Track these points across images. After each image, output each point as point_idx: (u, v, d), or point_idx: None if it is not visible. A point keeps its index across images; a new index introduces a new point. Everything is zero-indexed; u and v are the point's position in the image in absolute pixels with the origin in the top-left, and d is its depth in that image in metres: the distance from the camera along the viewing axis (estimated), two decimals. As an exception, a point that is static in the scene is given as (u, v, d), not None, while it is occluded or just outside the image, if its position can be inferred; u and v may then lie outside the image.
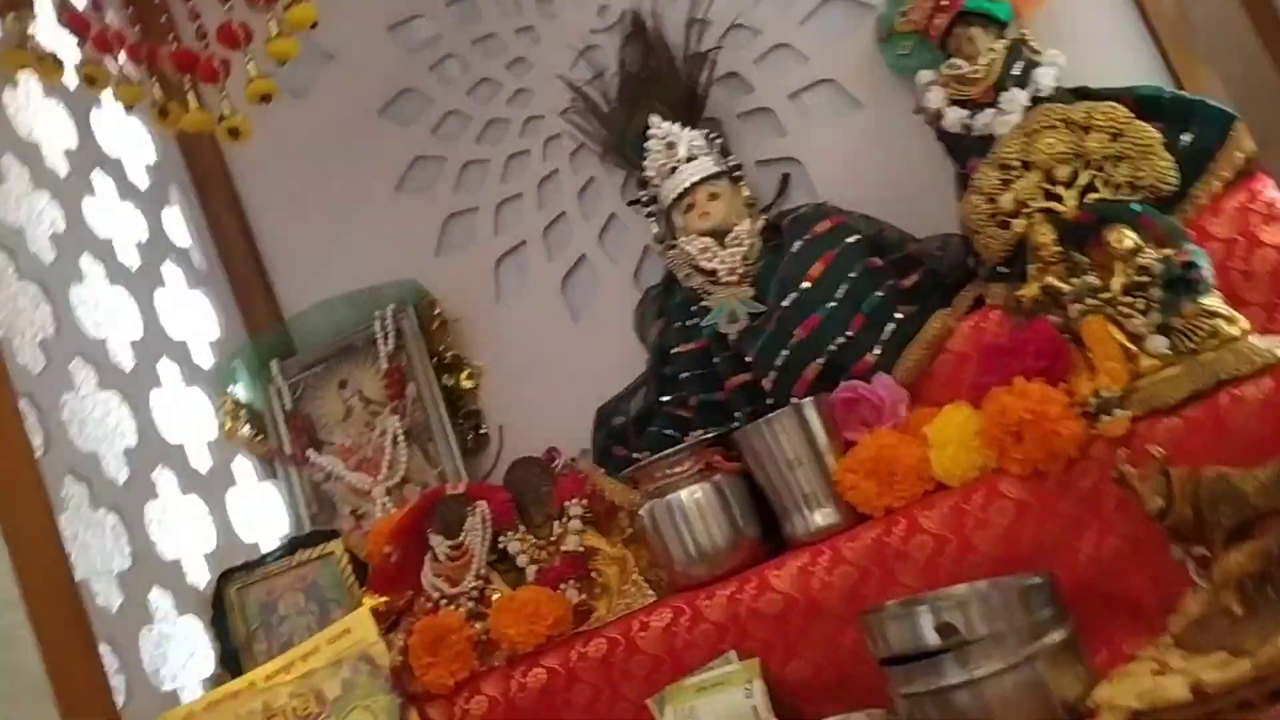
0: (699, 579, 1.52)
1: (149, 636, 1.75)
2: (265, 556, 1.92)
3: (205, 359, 2.15)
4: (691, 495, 1.53)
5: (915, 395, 1.59)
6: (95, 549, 1.72)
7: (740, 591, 1.46)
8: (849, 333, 1.60)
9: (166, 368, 2.04)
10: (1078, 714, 1.09)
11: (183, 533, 1.91)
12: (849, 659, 1.39)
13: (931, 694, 1.11)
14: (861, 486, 1.43)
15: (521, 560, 1.71)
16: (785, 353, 1.62)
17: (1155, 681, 1.05)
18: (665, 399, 1.78)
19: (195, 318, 2.17)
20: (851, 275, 1.63)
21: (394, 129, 2.20)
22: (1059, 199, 1.48)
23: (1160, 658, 1.13)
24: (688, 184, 1.79)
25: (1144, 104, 1.53)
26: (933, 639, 1.11)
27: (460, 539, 1.76)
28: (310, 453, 2.10)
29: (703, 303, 1.74)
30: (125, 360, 1.95)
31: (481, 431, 2.10)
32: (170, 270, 2.16)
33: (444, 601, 1.71)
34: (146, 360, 1.99)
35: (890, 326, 1.60)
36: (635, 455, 1.76)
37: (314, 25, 1.72)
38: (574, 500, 1.73)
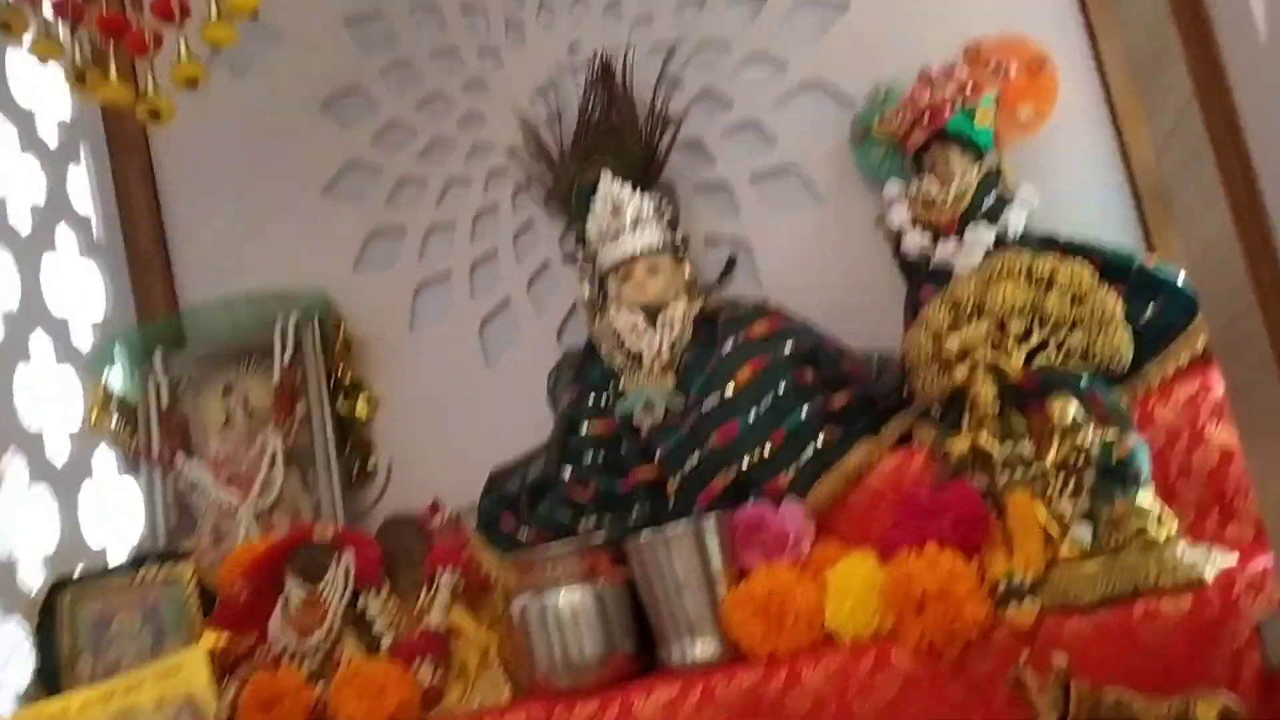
0: (561, 689, 1.41)
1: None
2: (107, 569, 1.77)
3: (84, 339, 1.98)
4: (569, 599, 1.42)
5: (824, 525, 1.50)
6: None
7: (600, 713, 1.34)
8: (766, 448, 1.51)
9: (39, 341, 1.88)
10: None
11: (23, 528, 1.75)
12: (702, 807, 1.29)
13: None
14: (748, 625, 1.33)
15: (379, 626, 1.59)
16: (696, 458, 1.52)
17: None
18: (565, 477, 1.66)
19: (82, 292, 2.00)
20: (779, 388, 1.54)
21: (332, 128, 2.06)
22: (1006, 353, 1.40)
23: None
24: (628, 254, 1.69)
25: (1112, 267, 1.45)
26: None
27: (319, 588, 1.63)
28: (180, 457, 1.94)
29: (621, 384, 1.64)
30: (-10, 328, 1.79)
31: (369, 465, 1.97)
32: (64, 235, 2.00)
33: (288, 655, 1.58)
34: (18, 331, 1.83)
35: (810, 450, 1.51)
36: (522, 531, 1.65)
37: (255, 15, 1.59)
38: (447, 569, 1.61)
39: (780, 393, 1.54)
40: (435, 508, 1.78)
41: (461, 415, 1.94)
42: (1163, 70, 0.74)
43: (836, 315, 1.70)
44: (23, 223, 1.89)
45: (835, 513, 1.51)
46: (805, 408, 1.54)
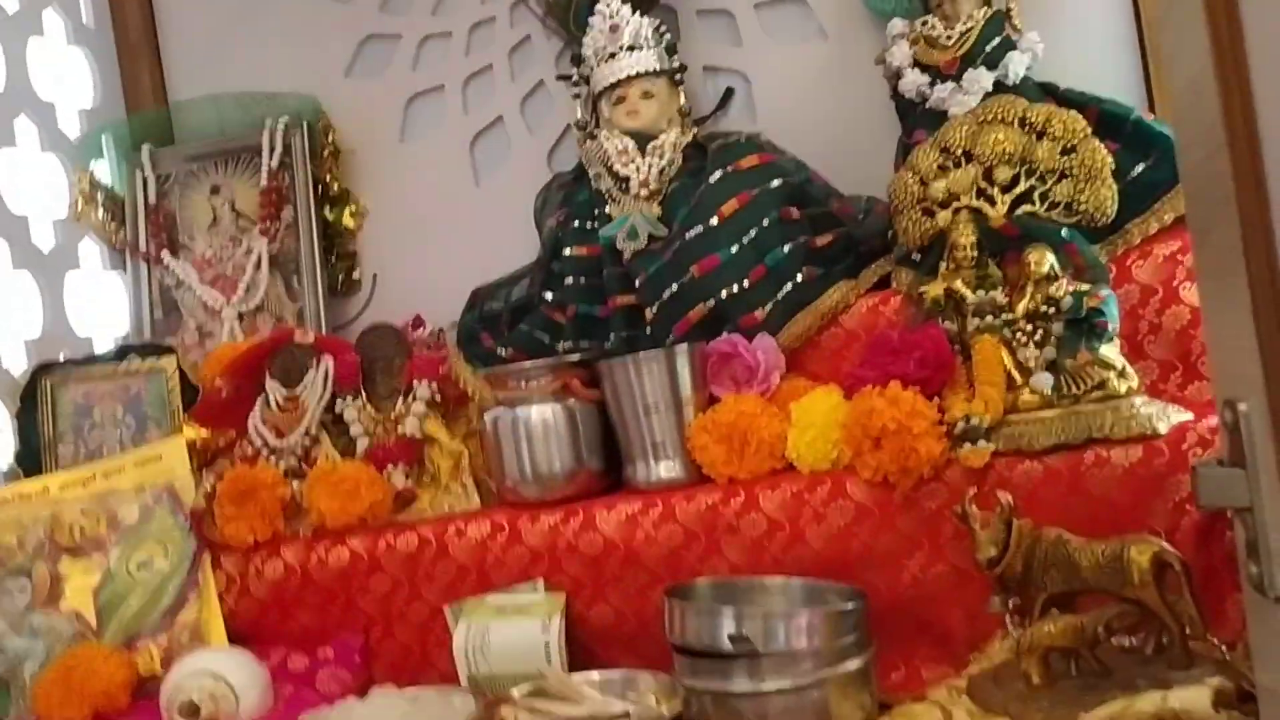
0: (527, 499, 1.46)
1: (-55, 414, 1.63)
2: (92, 357, 1.79)
3: (71, 127, 1.96)
4: (541, 413, 1.45)
5: (796, 363, 1.52)
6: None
7: (564, 524, 1.39)
8: (745, 282, 1.51)
9: (24, 126, 1.86)
10: (849, 741, 1.07)
11: (6, 313, 1.77)
12: (653, 617, 1.33)
13: (714, 694, 1.07)
14: (710, 449, 1.37)
15: (355, 430, 1.62)
16: (675, 287, 1.52)
17: (933, 734, 1.03)
18: (547, 297, 1.68)
19: (69, 78, 1.97)
20: (764, 222, 1.53)
21: (331, -74, 1.99)
22: (991, 200, 1.39)
23: (947, 705, 1.11)
24: (623, 75, 1.65)
25: (1107, 121, 1.44)
26: (726, 645, 1.06)
27: (297, 390, 1.65)
28: (165, 254, 1.94)
29: (606, 209, 1.63)
30: (-24, 108, 1.76)
31: (354, 276, 1.98)
32: (51, 19, 1.95)
33: (266, 452, 1.62)
34: (2, 114, 1.81)
35: (788, 287, 1.51)
36: (501, 349, 1.67)
37: None
38: (424, 381, 1.63)
39: (764, 227, 1.53)
40: (417, 322, 1.80)
41: (448, 232, 1.93)
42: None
43: (830, 155, 1.68)
44: (9, 1, 1.84)
45: (808, 350, 1.53)
46: (788, 245, 1.53)
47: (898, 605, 1.26)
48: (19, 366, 1.76)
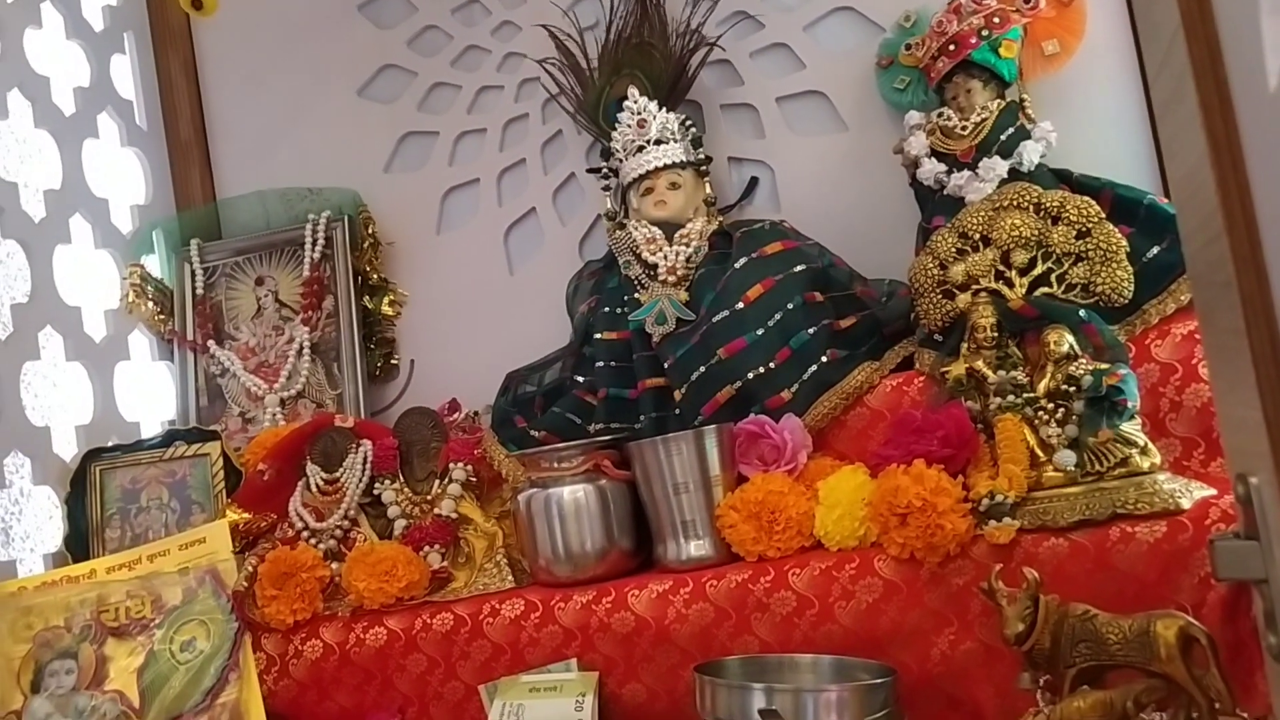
0: (560, 579, 1.49)
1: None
2: (139, 442, 1.85)
3: (124, 222, 2.05)
4: (573, 494, 1.49)
5: (822, 442, 1.55)
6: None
7: (596, 603, 1.42)
8: (771, 364, 1.54)
9: (79, 225, 1.95)
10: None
11: (59, 400, 1.83)
12: (685, 695, 1.36)
13: (745, 770, 1.09)
14: (740, 527, 1.39)
15: (393, 511, 1.66)
16: (703, 369, 1.56)
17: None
18: (579, 380, 1.73)
19: (122, 178, 2.07)
20: (789, 306, 1.57)
21: (369, 29, 2.10)
22: (1009, 283, 1.43)
23: (979, 783, 1.11)
24: (651, 167, 1.72)
25: (1121, 205, 1.48)
26: (757, 720, 1.08)
27: (337, 474, 1.70)
28: (211, 344, 2.02)
29: (635, 295, 1.68)
30: (36, 209, 1.85)
31: (392, 361, 2.04)
32: (106, 123, 2.05)
33: (306, 534, 1.66)
34: (59, 213, 1.89)
35: (814, 368, 1.55)
36: (534, 431, 1.71)
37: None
38: (460, 464, 1.68)
39: (789, 310, 1.57)
40: (453, 406, 1.85)
41: (483, 319, 2.00)
42: (1156, 2, 0.77)
43: (851, 241, 1.73)
44: (66, 104, 1.94)
45: (834, 430, 1.56)
46: (812, 328, 1.57)
47: (927, 682, 1.27)
48: (69, 452, 1.81)
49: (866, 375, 1.55)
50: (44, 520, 1.77)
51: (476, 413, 1.85)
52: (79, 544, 1.75)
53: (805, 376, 1.54)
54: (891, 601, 1.30)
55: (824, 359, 1.56)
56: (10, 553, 1.70)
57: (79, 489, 1.78)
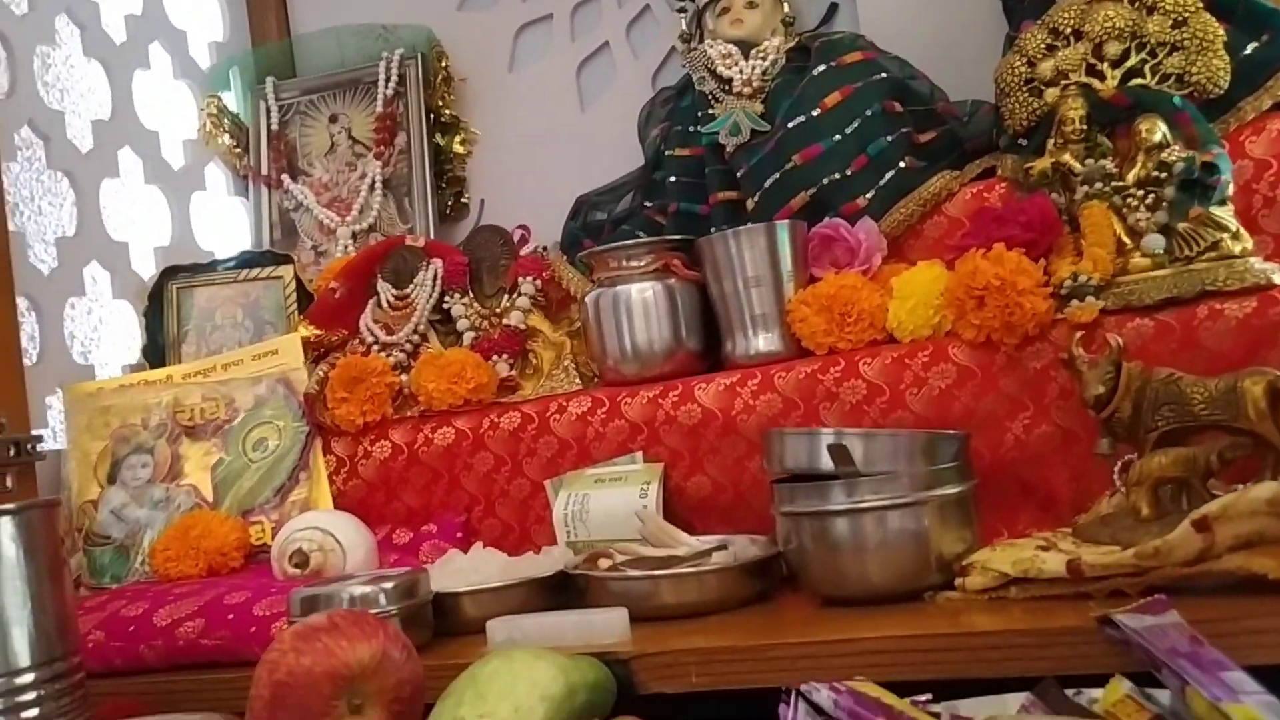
0: (627, 377, 1.48)
1: (78, 307, 1.72)
2: (215, 263, 1.88)
3: (202, 56, 2.07)
4: (641, 292, 1.47)
5: (897, 251, 1.51)
6: (38, 207, 1.67)
7: (663, 396, 1.41)
8: (848, 170, 1.50)
9: (158, 53, 1.97)
10: (950, 569, 1.05)
11: (137, 218, 1.86)
12: (750, 486, 1.35)
13: (810, 515, 1.07)
14: (811, 320, 1.37)
15: (462, 324, 1.67)
16: (777, 175, 1.53)
17: (1035, 554, 1.00)
18: (648, 205, 1.71)
19: (200, 12, 2.08)
20: (867, 113, 1.53)
21: None
22: (1100, 76, 1.38)
23: (1051, 539, 1.09)
24: (728, -17, 1.69)
25: (1218, 1, 1.41)
26: (827, 464, 1.06)
27: (407, 290, 1.71)
28: (285, 178, 2.03)
29: (710, 110, 1.65)
30: (117, 32, 1.87)
31: (462, 200, 2.04)
32: (186, -42, 2.07)
33: (376, 347, 1.68)
34: (139, 38, 1.92)
35: (890, 175, 1.51)
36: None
37: None
38: (530, 279, 1.67)
39: (867, 118, 1.52)
40: (523, 234, 1.84)
41: (554, 157, 1.98)
42: None
43: (935, 62, 1.67)
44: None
45: (910, 239, 1.51)
46: (890, 136, 1.52)
47: (1000, 468, 1.24)
48: (148, 271, 1.85)
49: (945, 182, 1.50)
50: (122, 332, 1.80)
51: (545, 248, 1.83)
52: (156, 356, 1.79)
53: (882, 183, 1.50)
54: (965, 387, 1.27)
55: (902, 165, 1.51)
56: (90, 359, 1.73)
57: (156, 305, 1.81)
